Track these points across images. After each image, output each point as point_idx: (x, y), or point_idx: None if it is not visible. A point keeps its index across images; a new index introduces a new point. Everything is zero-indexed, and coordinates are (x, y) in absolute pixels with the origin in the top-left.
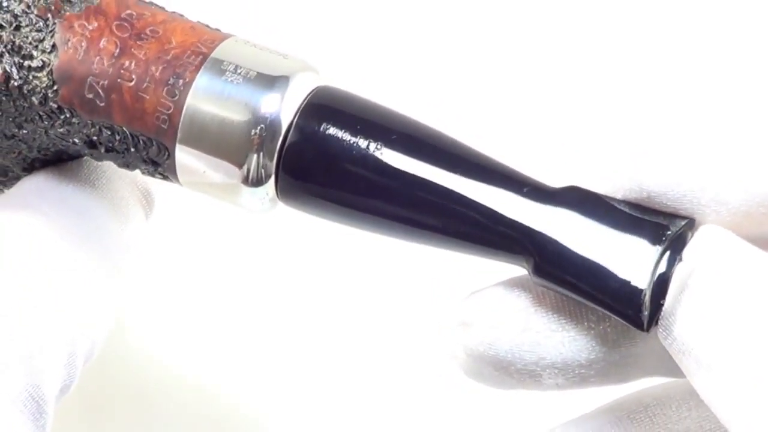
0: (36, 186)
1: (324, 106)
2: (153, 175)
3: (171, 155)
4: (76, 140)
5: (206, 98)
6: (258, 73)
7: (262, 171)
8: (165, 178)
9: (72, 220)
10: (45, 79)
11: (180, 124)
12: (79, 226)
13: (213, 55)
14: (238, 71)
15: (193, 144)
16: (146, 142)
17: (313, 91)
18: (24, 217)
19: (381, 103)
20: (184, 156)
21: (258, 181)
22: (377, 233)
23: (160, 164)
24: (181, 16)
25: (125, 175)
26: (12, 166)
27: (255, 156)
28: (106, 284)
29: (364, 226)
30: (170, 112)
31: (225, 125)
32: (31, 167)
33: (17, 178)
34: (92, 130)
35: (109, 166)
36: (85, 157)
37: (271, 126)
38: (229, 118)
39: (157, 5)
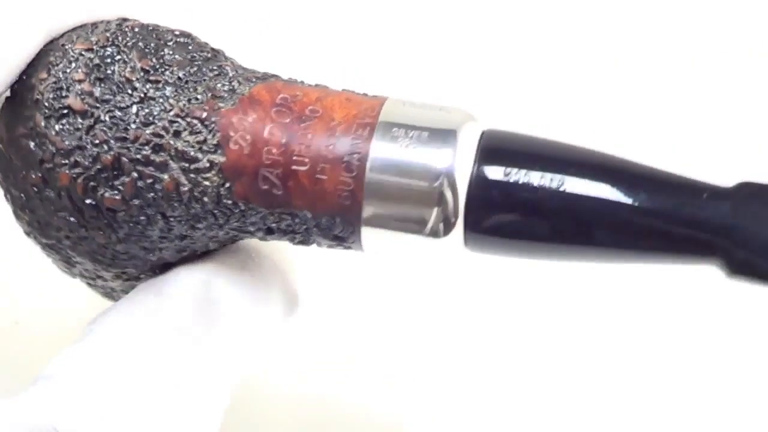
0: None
1: (498, 150)
2: (333, 248)
3: (357, 230)
4: (252, 229)
5: (384, 167)
6: (429, 132)
7: (449, 224)
8: (347, 248)
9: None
10: (216, 178)
11: (364, 198)
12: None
13: (379, 123)
14: (409, 135)
15: (379, 214)
16: (330, 221)
17: (482, 137)
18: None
19: (539, 135)
20: (370, 227)
21: (445, 234)
22: (571, 261)
23: (345, 239)
24: (326, 87)
25: (278, 275)
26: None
27: (440, 212)
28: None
29: (559, 257)
30: (351, 188)
31: (408, 189)
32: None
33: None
34: (271, 218)
35: (264, 261)
36: (240, 246)
37: (453, 180)
38: (411, 182)
39: (302, 82)
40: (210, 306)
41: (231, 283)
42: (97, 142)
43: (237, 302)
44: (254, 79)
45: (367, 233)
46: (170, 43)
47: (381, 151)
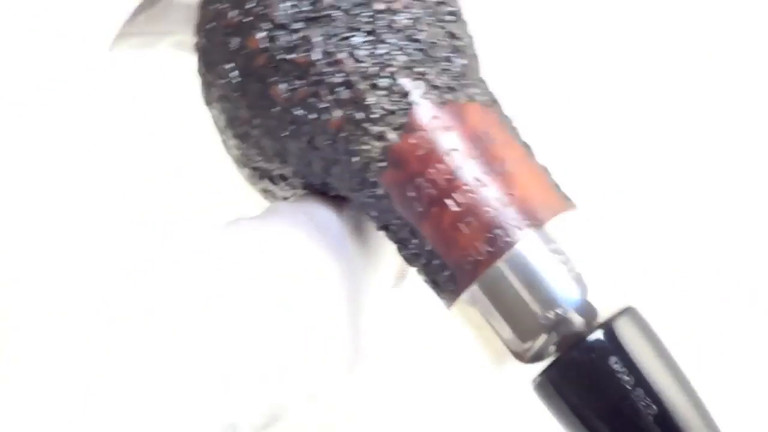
0: (313, 212)
1: (625, 338)
2: (426, 284)
3: (457, 291)
4: (374, 214)
5: (519, 267)
6: (579, 272)
7: (540, 354)
8: (437, 295)
9: (334, 263)
10: (377, 150)
11: (483, 275)
12: (340, 267)
13: (546, 227)
14: (562, 260)
15: (484, 297)
16: (441, 267)
17: (622, 311)
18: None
19: (671, 353)
20: (468, 300)
21: (531, 360)
22: None
23: (441, 287)
24: (530, 152)
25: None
26: (294, 177)
27: (544, 339)
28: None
29: None
30: (480, 259)
31: (523, 301)
32: (311, 187)
33: (290, 187)
34: (395, 222)
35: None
36: None
37: (571, 326)
38: (531, 298)
39: (515, 133)
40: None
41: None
42: (303, 35)
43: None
44: (478, 94)
45: (465, 301)
46: (445, 17)
47: (527, 253)
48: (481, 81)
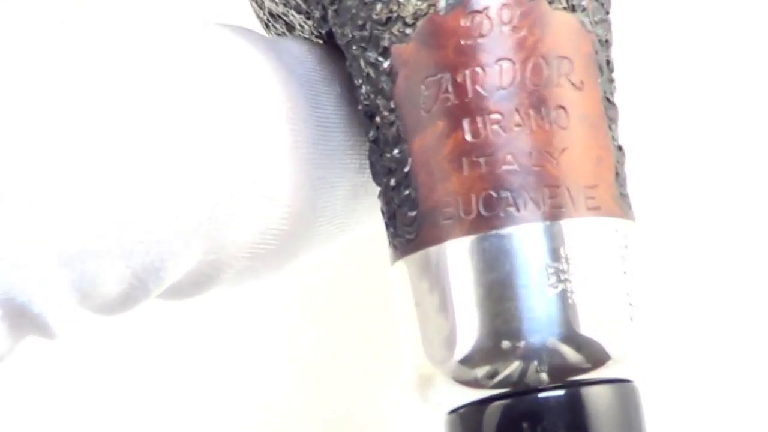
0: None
1: (591, 417)
2: (380, 201)
3: (413, 245)
4: (364, 89)
5: (505, 257)
6: (577, 302)
7: (477, 382)
8: (387, 225)
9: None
10: (411, 9)
11: (455, 242)
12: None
13: (569, 224)
14: (562, 275)
15: (444, 272)
16: (410, 202)
17: (613, 381)
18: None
19: None
20: (420, 263)
21: (464, 383)
22: None
23: (396, 228)
24: (615, 141)
25: None
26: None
27: (486, 370)
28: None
29: None
30: (464, 218)
31: (487, 305)
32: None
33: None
34: (385, 113)
35: None
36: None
37: (529, 367)
38: (499, 308)
39: (607, 100)
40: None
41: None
42: None
43: None
44: (584, 11)
45: (410, 265)
46: None
47: (531, 242)
48: (605, 18)
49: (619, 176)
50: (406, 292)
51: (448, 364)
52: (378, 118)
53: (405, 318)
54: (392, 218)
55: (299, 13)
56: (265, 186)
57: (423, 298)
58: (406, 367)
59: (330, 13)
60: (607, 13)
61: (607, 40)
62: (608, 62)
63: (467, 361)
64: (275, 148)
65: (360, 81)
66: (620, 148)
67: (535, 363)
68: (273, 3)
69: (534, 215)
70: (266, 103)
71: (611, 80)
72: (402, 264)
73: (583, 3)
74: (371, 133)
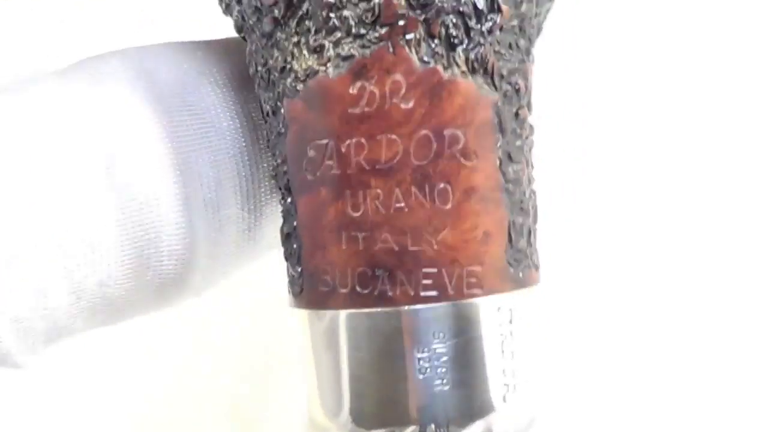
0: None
1: None
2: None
3: (297, 301)
4: (266, 124)
5: (375, 335)
6: (447, 389)
7: None
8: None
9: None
10: (304, 67)
11: (322, 314)
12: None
13: (461, 304)
14: (435, 357)
15: (318, 336)
16: (296, 258)
17: None
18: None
19: None
20: (309, 319)
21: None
22: None
23: (290, 275)
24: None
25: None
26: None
27: (398, 426)
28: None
29: None
30: (340, 292)
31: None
32: None
33: None
34: (280, 165)
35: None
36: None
37: None
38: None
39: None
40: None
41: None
42: None
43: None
44: (482, 79)
45: (303, 316)
46: None
47: (395, 320)
48: (520, 66)
49: (513, 244)
50: (303, 339)
51: (342, 422)
52: (276, 161)
53: (303, 362)
54: (286, 261)
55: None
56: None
57: (317, 351)
58: (304, 411)
59: (245, 35)
60: (526, 55)
61: (518, 89)
62: (517, 115)
63: (360, 423)
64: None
65: (264, 114)
66: (522, 209)
67: (432, 427)
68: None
69: (407, 298)
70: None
71: (519, 135)
72: (293, 312)
73: (487, 63)
74: (273, 169)
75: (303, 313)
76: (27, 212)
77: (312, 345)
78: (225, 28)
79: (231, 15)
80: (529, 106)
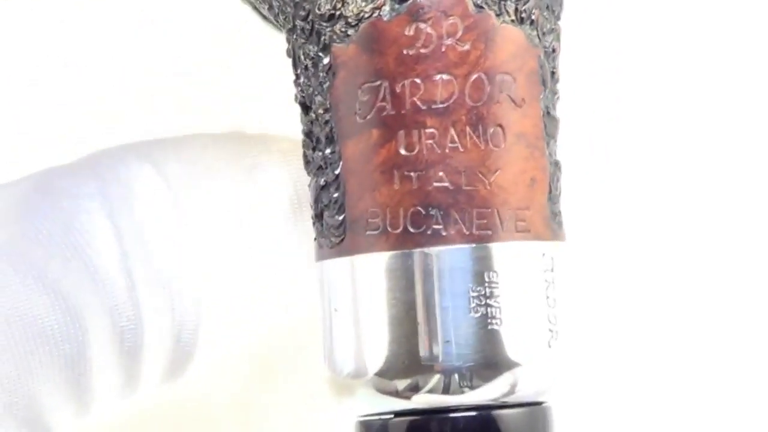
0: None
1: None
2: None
3: (338, 250)
4: (302, 80)
5: (429, 274)
6: (499, 328)
7: (394, 391)
8: (314, 221)
9: None
10: (355, 10)
11: (376, 255)
12: None
13: (497, 247)
14: (486, 300)
15: (365, 279)
16: (338, 206)
17: (529, 404)
18: None
19: None
20: (347, 267)
21: (381, 391)
22: None
23: (324, 227)
24: (554, 164)
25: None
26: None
27: (408, 383)
28: None
29: None
30: (390, 232)
31: (407, 325)
32: None
33: None
34: (321, 111)
35: None
36: None
37: (444, 385)
38: (418, 329)
39: (551, 123)
40: None
41: None
42: None
43: None
44: (532, 30)
45: (336, 267)
46: None
47: (453, 263)
48: (554, 27)
49: (551, 194)
50: (327, 295)
51: (365, 375)
52: (313, 114)
53: (324, 321)
54: (319, 216)
55: None
56: None
57: (343, 305)
58: (323, 371)
59: None
60: (558, 20)
61: (554, 50)
62: (553, 74)
63: (384, 374)
64: None
65: (298, 71)
66: (557, 163)
67: (457, 378)
68: None
69: (461, 236)
70: None
71: (554, 92)
72: (325, 265)
73: (533, 16)
74: (305, 126)
75: (336, 264)
76: None
77: (352, 293)
78: (225, 27)
79: None
80: (558, 70)
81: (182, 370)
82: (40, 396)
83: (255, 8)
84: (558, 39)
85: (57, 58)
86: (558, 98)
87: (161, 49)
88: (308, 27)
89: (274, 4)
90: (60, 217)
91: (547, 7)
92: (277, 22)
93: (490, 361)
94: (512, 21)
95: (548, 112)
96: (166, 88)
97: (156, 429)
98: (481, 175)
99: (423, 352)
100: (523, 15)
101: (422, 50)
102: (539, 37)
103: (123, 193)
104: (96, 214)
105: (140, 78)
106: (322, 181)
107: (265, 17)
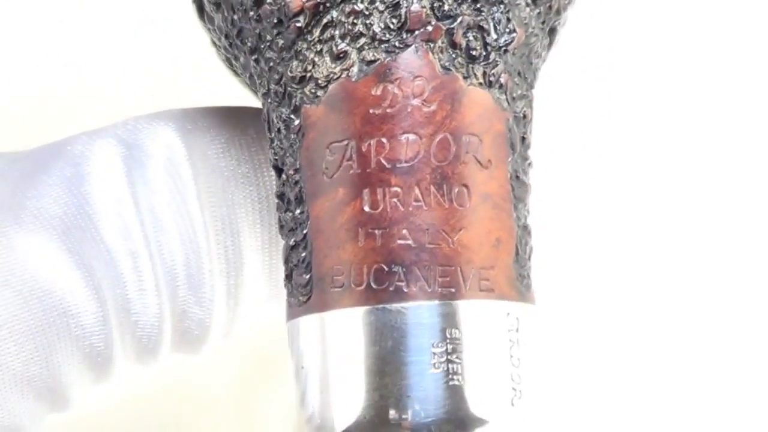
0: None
1: None
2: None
3: (305, 308)
4: (274, 145)
5: (388, 331)
6: (463, 384)
7: None
8: (285, 281)
9: None
10: (324, 73)
11: (335, 312)
12: None
13: (462, 305)
14: (448, 356)
15: (325, 339)
16: (305, 266)
17: None
18: None
19: None
20: (315, 324)
21: None
22: None
23: (293, 287)
24: (523, 228)
25: None
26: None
27: None
28: None
29: None
30: (354, 288)
31: (368, 381)
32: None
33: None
34: (291, 172)
35: None
36: None
37: None
38: (378, 382)
39: (520, 185)
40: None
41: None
42: None
43: None
44: (500, 92)
45: (306, 324)
46: None
47: (417, 320)
48: (526, 94)
49: (518, 256)
50: (296, 353)
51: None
52: (284, 175)
53: (295, 377)
54: (289, 277)
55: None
56: None
57: (310, 362)
58: (295, 421)
59: (251, 62)
60: (531, 88)
61: (525, 116)
62: (524, 139)
63: (351, 430)
64: None
65: (272, 134)
66: (526, 227)
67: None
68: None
69: (424, 293)
70: None
71: (525, 158)
72: (293, 324)
73: (501, 80)
74: (278, 188)
75: (304, 322)
76: None
77: (320, 350)
78: None
79: (237, 55)
80: (530, 137)
81: (199, 339)
82: (59, 366)
83: (235, 73)
84: (530, 106)
85: (57, 58)
86: (530, 164)
87: (161, 49)
88: (281, 90)
89: (252, 69)
90: (75, 183)
91: (519, 74)
92: (254, 87)
93: (453, 416)
94: (480, 84)
95: (517, 176)
96: (166, 88)
97: (155, 425)
98: (444, 234)
99: (391, 410)
100: (491, 79)
101: (389, 110)
102: (508, 102)
103: (142, 159)
104: (112, 179)
105: (140, 78)
106: (291, 242)
107: (245, 83)
